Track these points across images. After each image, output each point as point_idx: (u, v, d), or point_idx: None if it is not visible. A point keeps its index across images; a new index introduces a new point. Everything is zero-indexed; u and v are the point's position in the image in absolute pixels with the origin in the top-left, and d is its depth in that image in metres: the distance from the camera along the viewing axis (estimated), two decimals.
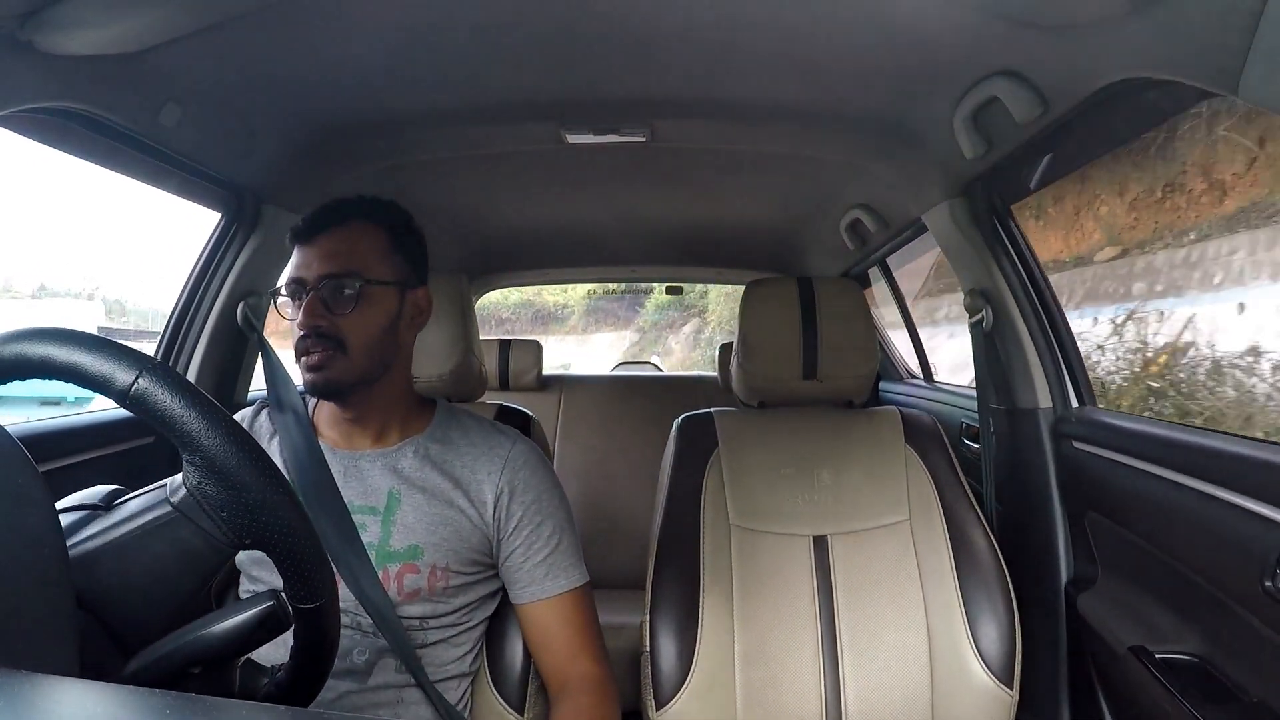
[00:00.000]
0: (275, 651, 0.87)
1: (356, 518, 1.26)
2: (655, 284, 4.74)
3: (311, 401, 1.42)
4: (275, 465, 0.74)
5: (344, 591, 1.17)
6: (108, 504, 0.79)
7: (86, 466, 1.58)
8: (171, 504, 0.74)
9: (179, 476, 0.73)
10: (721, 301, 18.57)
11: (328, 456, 1.31)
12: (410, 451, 1.33)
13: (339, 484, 1.28)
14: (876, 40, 1.39)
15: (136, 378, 0.68)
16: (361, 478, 1.31)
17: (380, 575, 1.24)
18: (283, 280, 1.32)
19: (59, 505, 0.77)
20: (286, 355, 1.53)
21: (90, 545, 0.74)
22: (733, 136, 1.94)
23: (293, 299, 1.29)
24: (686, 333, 19.11)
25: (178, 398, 0.69)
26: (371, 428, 1.35)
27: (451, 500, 1.29)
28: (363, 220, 1.33)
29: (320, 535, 0.78)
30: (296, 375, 1.37)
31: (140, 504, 0.76)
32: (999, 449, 2.00)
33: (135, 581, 0.74)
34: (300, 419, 1.36)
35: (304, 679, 0.83)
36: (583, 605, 1.35)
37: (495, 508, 1.31)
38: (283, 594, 0.77)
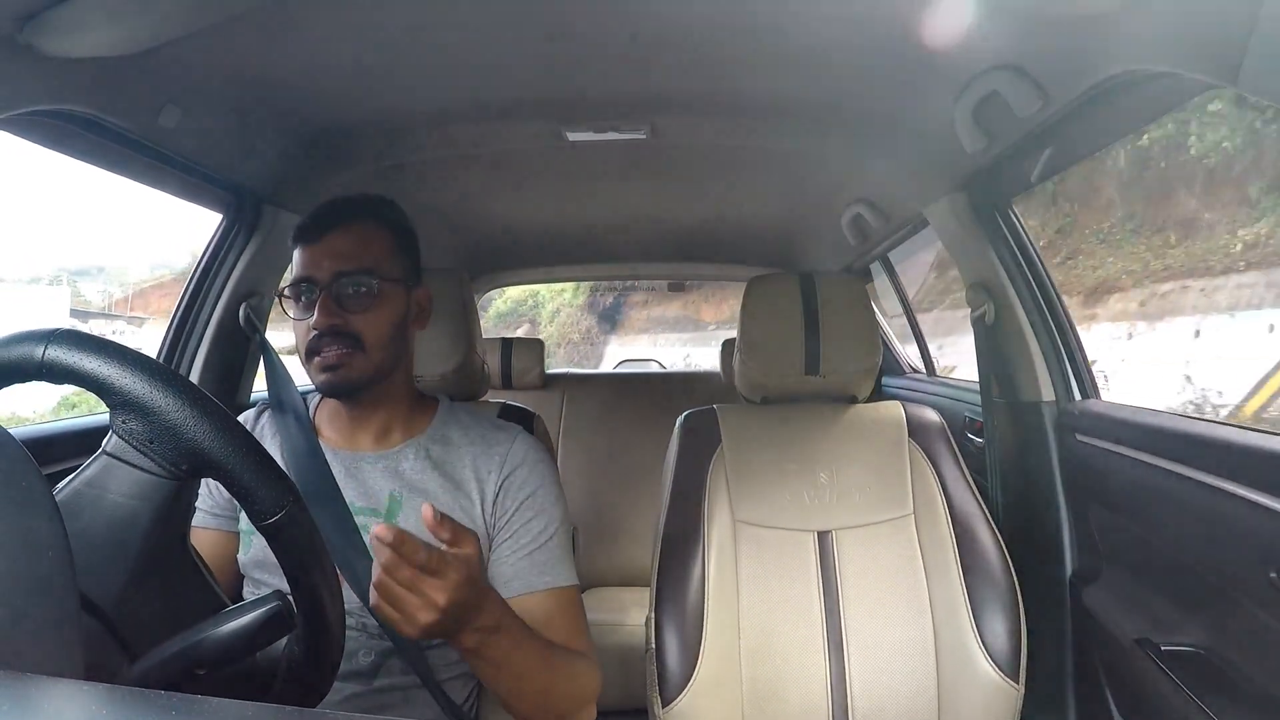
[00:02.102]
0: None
1: (357, 519, 1.26)
2: (654, 282, 4.72)
3: (312, 402, 1.42)
4: (191, 385, 0.74)
5: (348, 593, 1.16)
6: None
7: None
8: (105, 452, 0.75)
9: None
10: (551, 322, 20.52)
11: (329, 457, 1.31)
12: (411, 453, 1.33)
13: (340, 485, 1.28)
14: (877, 35, 1.39)
15: (45, 348, 0.71)
16: (362, 479, 1.31)
17: None
18: (286, 281, 1.32)
19: None
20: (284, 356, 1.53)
21: None
22: (733, 133, 1.94)
23: (300, 299, 1.28)
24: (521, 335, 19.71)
25: (85, 351, 0.71)
26: (374, 427, 1.35)
27: (452, 502, 1.29)
28: (370, 219, 1.33)
29: (323, 537, 0.78)
30: (298, 376, 1.36)
31: (83, 467, 0.77)
32: (1002, 442, 2.00)
33: (90, 536, 0.73)
34: (301, 420, 1.36)
35: (315, 629, 0.82)
36: (569, 607, 1.32)
37: (492, 502, 1.31)
38: (288, 595, 0.77)
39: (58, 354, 0.71)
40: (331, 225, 1.29)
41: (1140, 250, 9.28)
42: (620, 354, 18.58)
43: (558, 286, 19.87)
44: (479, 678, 1.17)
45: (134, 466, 0.74)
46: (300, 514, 0.78)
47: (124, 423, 0.72)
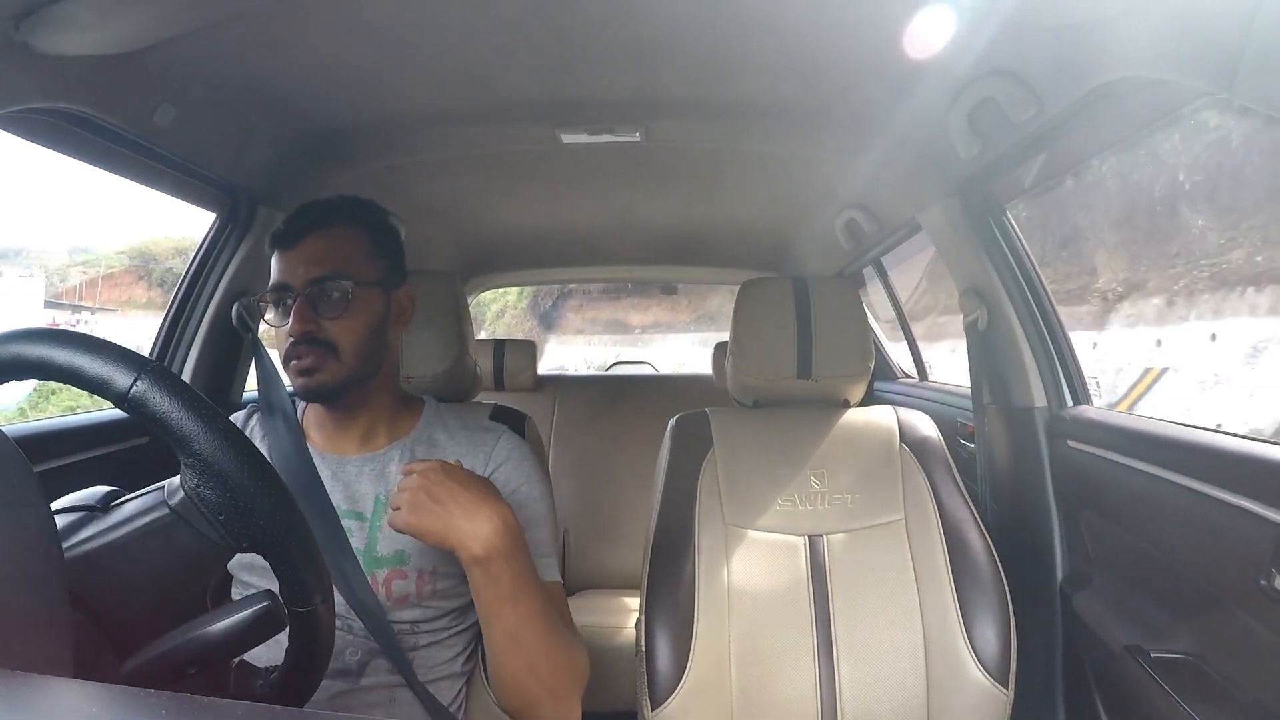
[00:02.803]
0: (269, 652, 0.87)
1: (343, 522, 1.26)
2: (650, 284, 4.72)
3: (301, 404, 1.42)
4: (272, 468, 0.74)
5: (335, 595, 1.16)
6: (105, 505, 0.79)
7: (82, 467, 1.58)
8: (170, 506, 0.74)
9: (177, 479, 0.73)
10: (498, 320, 21.53)
11: (315, 460, 1.31)
12: (397, 455, 1.33)
13: (326, 488, 1.28)
14: (872, 40, 1.39)
15: (135, 380, 0.68)
16: (348, 483, 1.31)
17: (369, 581, 1.24)
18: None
19: (56, 506, 0.77)
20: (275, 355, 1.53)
21: (88, 547, 0.74)
22: (727, 136, 1.94)
23: (277, 305, 1.28)
24: None
25: (175, 400, 0.69)
26: (358, 430, 1.35)
27: None
28: (344, 222, 1.32)
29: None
30: (286, 379, 1.36)
31: (138, 506, 0.76)
32: (994, 448, 2.00)
33: (133, 583, 0.74)
34: (290, 422, 1.36)
35: (298, 681, 0.83)
36: (552, 601, 1.28)
37: None
38: (278, 595, 0.77)
39: (147, 392, 0.69)
40: (306, 230, 1.29)
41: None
42: (558, 351, 21.24)
43: (503, 289, 20.62)
44: (482, 614, 1.15)
45: (197, 530, 0.74)
46: (328, 610, 0.80)
47: (197, 487, 0.72)
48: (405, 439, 1.36)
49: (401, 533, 1.10)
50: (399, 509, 1.08)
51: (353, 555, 1.23)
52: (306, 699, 0.85)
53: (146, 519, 0.75)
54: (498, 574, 1.09)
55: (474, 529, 1.07)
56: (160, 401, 0.68)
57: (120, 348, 0.70)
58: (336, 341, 1.25)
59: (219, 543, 0.74)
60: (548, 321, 23.62)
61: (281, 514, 0.73)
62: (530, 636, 1.14)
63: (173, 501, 0.74)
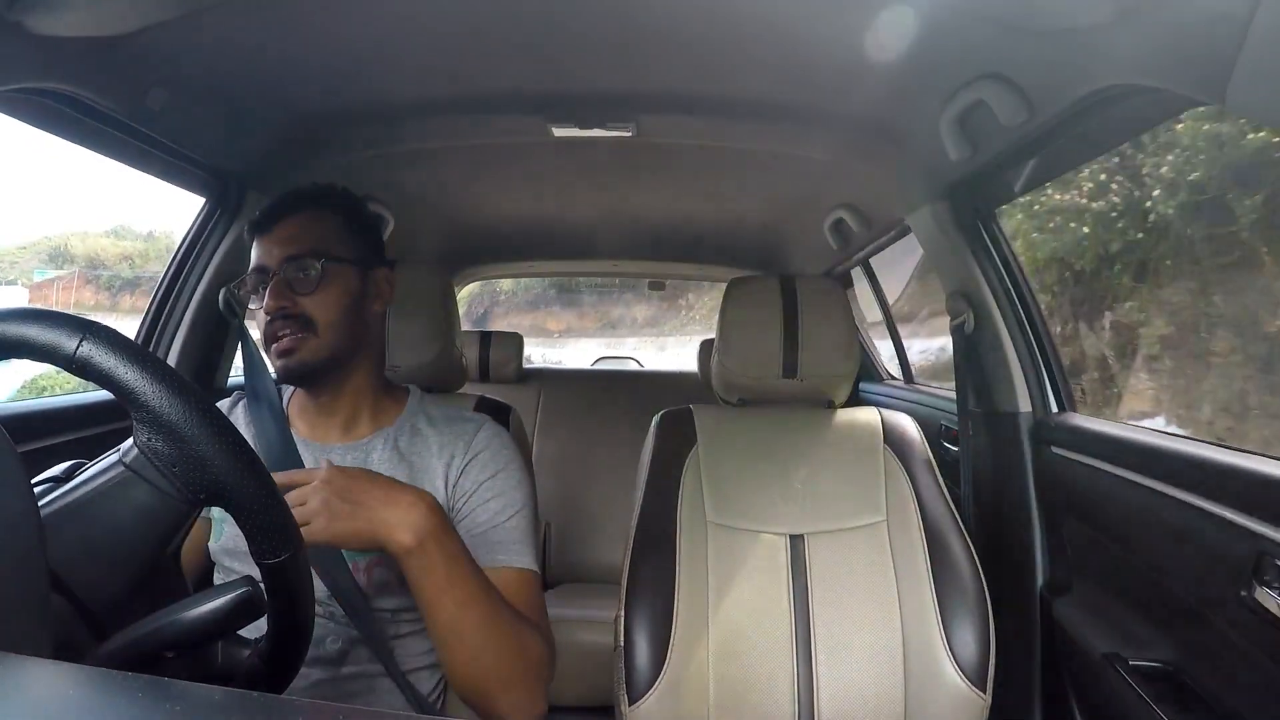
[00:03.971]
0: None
1: None
2: (638, 279, 4.73)
3: (286, 393, 1.42)
4: (224, 417, 0.73)
5: (317, 583, 1.16)
6: (68, 476, 0.79)
7: (67, 448, 1.57)
8: (124, 464, 0.73)
9: (131, 438, 0.73)
10: None
11: (300, 448, 1.31)
12: (380, 444, 1.33)
13: None
14: (864, 40, 1.39)
15: (80, 341, 0.68)
16: None
17: (350, 569, 1.23)
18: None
19: None
20: None
21: (46, 511, 0.73)
22: (719, 133, 1.94)
23: (256, 289, 1.29)
24: None
25: (120, 356, 0.69)
26: (340, 416, 1.35)
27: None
28: (317, 207, 1.34)
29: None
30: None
31: (94, 469, 0.75)
32: (978, 452, 2.01)
33: (95, 545, 0.73)
34: (275, 409, 1.36)
35: (284, 643, 0.82)
36: (524, 587, 1.25)
37: (453, 486, 1.30)
38: (260, 583, 0.76)
39: (92, 351, 0.69)
40: (279, 215, 1.31)
41: None
42: None
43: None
44: (422, 609, 1.09)
45: (152, 485, 0.73)
46: (300, 561, 0.79)
47: (149, 440, 0.71)
48: (389, 428, 1.36)
49: (323, 545, 1.05)
50: (309, 523, 1.01)
51: None
52: (297, 666, 0.85)
53: (102, 479, 0.74)
54: (432, 560, 1.06)
55: (399, 516, 1.04)
56: (105, 358, 0.69)
57: (63, 314, 0.70)
58: (312, 315, 1.26)
59: (176, 496, 0.73)
60: (481, 323, 24.35)
61: (235, 461, 0.72)
62: (471, 625, 1.09)
63: (127, 459, 0.73)
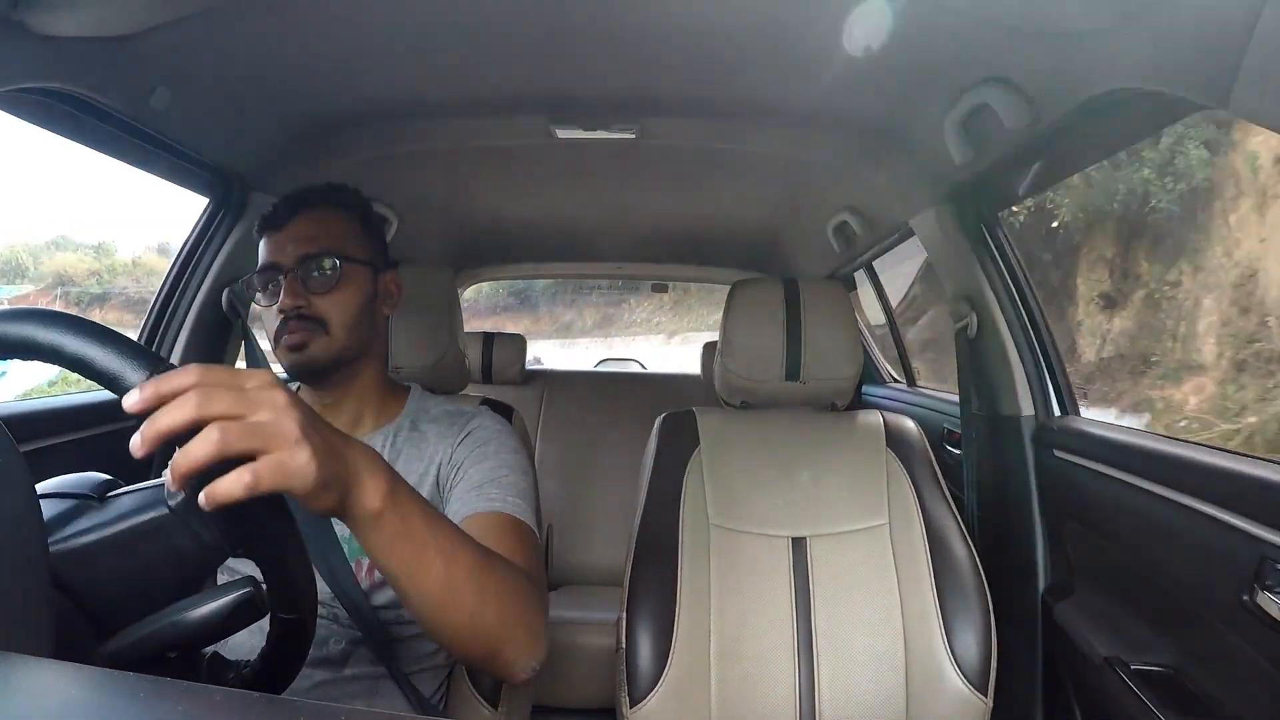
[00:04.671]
0: (251, 639, 0.86)
1: None
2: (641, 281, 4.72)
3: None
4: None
5: (320, 584, 1.16)
6: (100, 495, 0.78)
7: (70, 448, 1.58)
8: (169, 507, 0.74)
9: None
10: None
11: None
12: (380, 441, 1.33)
13: None
14: (869, 44, 1.39)
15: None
16: None
17: (353, 566, 1.23)
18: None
19: (47, 488, 0.77)
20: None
21: (83, 540, 0.74)
22: (722, 136, 1.94)
23: (267, 286, 1.29)
24: None
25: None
26: (346, 414, 1.35)
27: (419, 487, 1.28)
28: (332, 206, 1.34)
29: (298, 529, 0.78)
30: (275, 365, 1.36)
31: (135, 502, 0.76)
32: (980, 456, 2.01)
33: (127, 579, 0.74)
34: None
35: (270, 680, 0.83)
36: (516, 530, 1.15)
37: (448, 463, 1.29)
38: (260, 581, 0.76)
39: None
40: (294, 212, 1.30)
41: None
42: None
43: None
44: (406, 578, 0.85)
45: (194, 533, 0.74)
46: (310, 621, 0.79)
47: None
48: (390, 424, 1.36)
49: (292, 491, 0.68)
50: (281, 454, 0.66)
51: (338, 542, 1.23)
52: (286, 682, 0.85)
53: (144, 517, 0.74)
54: (407, 511, 0.82)
55: (360, 471, 0.77)
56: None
57: (134, 344, 0.67)
58: (326, 316, 1.26)
59: (214, 545, 0.74)
60: None
61: (278, 523, 0.72)
62: (463, 577, 0.89)
63: (172, 503, 0.74)
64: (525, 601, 1.00)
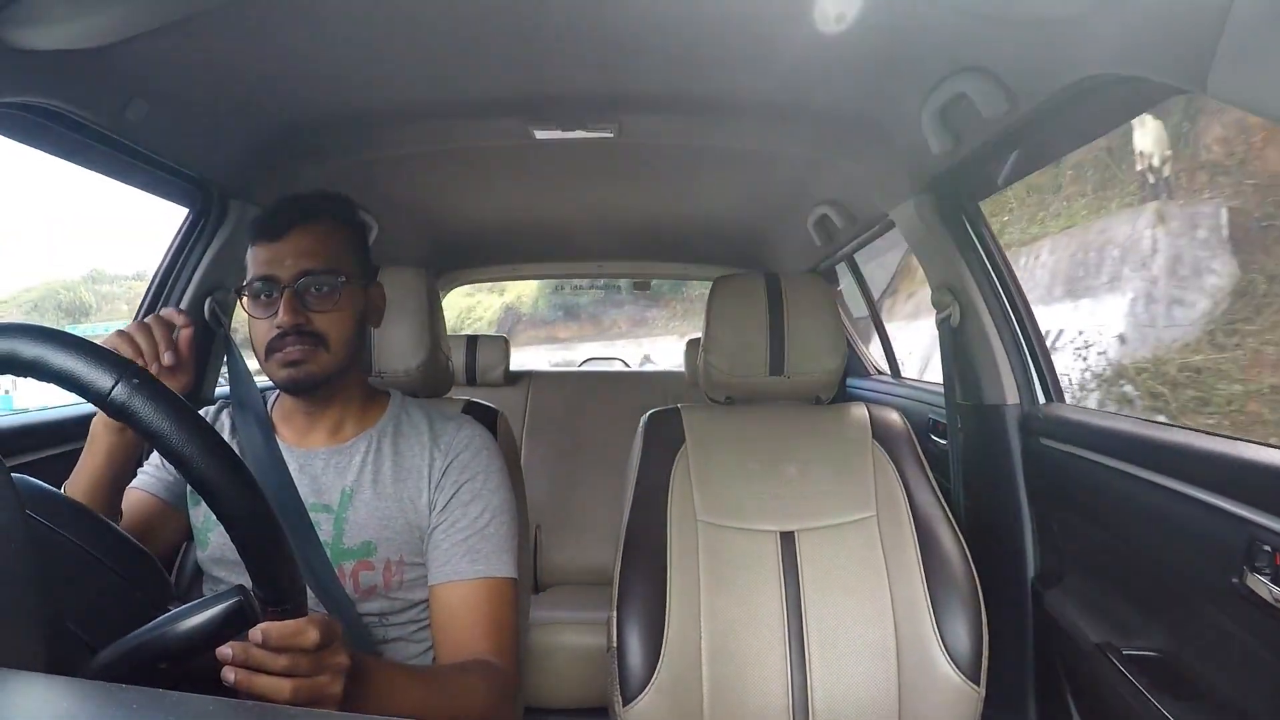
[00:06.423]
0: None
1: (311, 515, 1.26)
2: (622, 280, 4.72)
3: (269, 399, 1.42)
4: (248, 470, 0.73)
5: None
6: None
7: (68, 459, 1.56)
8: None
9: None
10: None
11: (284, 454, 1.31)
12: (363, 447, 1.33)
13: (295, 481, 1.28)
14: (844, 36, 1.38)
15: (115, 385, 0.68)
16: (315, 475, 1.31)
17: (336, 573, 1.24)
18: (247, 278, 1.30)
19: None
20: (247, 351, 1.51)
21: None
22: (700, 132, 1.94)
23: (260, 297, 1.27)
24: None
25: (161, 408, 0.69)
26: (328, 423, 1.35)
27: (400, 493, 1.29)
28: (332, 219, 1.32)
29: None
30: (263, 374, 1.35)
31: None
32: (966, 445, 2.01)
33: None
34: (261, 418, 1.35)
35: None
36: (497, 599, 1.26)
37: (435, 487, 1.30)
38: (250, 590, 0.76)
39: (128, 396, 0.68)
40: (292, 223, 1.28)
41: None
42: None
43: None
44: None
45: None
46: (301, 612, 0.80)
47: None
48: (371, 430, 1.36)
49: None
50: (325, 689, 0.83)
51: (321, 548, 1.23)
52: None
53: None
54: (382, 693, 0.96)
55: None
56: (146, 408, 0.69)
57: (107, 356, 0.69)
58: (326, 334, 1.26)
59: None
60: None
61: (261, 519, 0.72)
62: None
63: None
64: (493, 703, 1.15)
